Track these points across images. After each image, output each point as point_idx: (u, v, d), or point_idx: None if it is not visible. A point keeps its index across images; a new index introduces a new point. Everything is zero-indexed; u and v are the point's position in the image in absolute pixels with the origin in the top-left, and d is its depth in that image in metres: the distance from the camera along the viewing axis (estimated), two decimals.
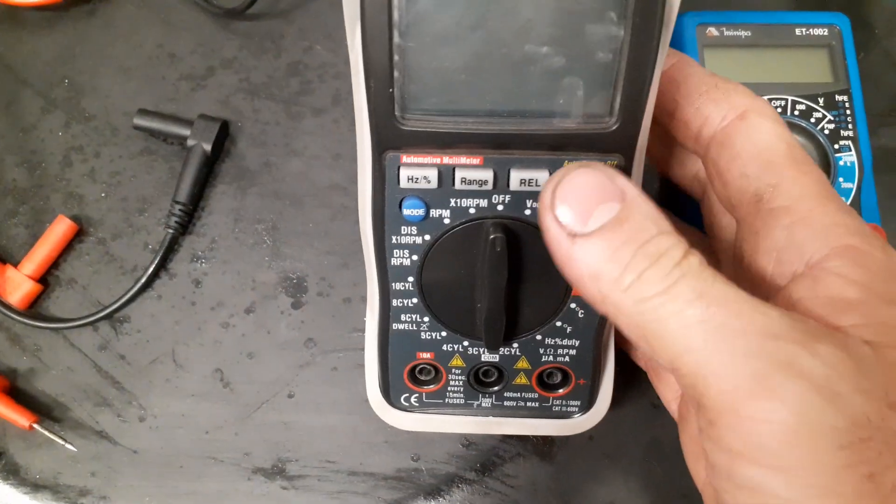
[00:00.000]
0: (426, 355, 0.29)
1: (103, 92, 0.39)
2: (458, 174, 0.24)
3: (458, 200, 0.25)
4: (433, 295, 0.27)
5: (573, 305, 0.28)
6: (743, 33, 0.35)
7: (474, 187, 0.25)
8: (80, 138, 0.38)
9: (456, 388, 0.30)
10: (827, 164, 0.33)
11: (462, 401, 0.30)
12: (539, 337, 0.28)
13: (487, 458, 0.34)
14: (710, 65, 0.35)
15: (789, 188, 0.22)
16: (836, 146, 0.34)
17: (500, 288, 0.26)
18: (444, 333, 0.28)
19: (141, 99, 0.39)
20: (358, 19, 0.22)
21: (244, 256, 0.37)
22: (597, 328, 0.28)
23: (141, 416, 0.35)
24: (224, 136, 0.38)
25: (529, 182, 0.24)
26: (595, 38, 0.22)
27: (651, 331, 0.19)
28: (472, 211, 0.25)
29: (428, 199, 0.25)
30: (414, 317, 0.28)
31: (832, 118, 0.34)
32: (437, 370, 0.29)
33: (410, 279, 0.27)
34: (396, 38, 0.22)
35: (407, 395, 0.30)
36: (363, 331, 0.35)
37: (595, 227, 0.20)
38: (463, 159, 0.24)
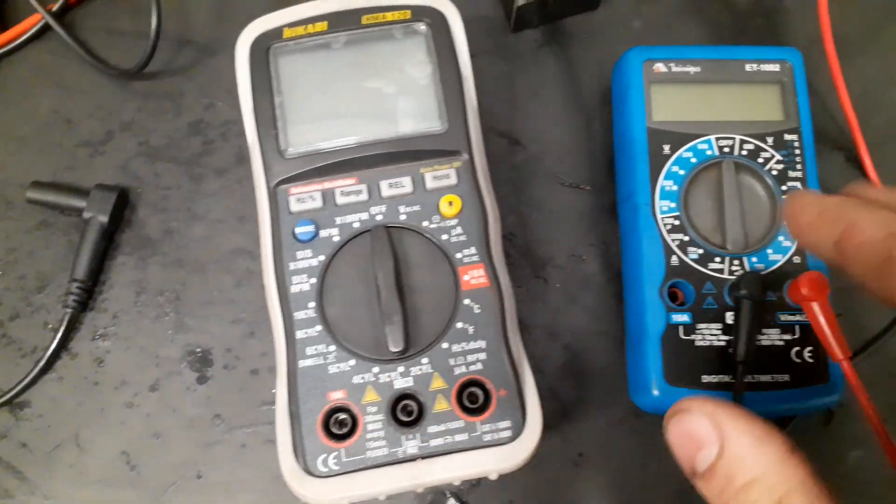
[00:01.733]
0: (338, 394, 0.28)
1: None
2: (338, 192, 0.30)
3: (343, 217, 0.30)
4: (335, 318, 0.29)
5: (467, 301, 0.29)
6: (692, 69, 0.34)
7: (352, 199, 0.30)
8: None
9: (376, 434, 0.28)
10: (773, 207, 0.32)
11: (385, 449, 0.28)
12: (445, 345, 0.28)
13: None
14: (656, 102, 0.33)
15: None
16: (784, 188, 0.32)
17: (388, 273, 0.28)
18: (352, 362, 0.28)
19: (36, 169, 0.37)
20: (249, 93, 0.31)
21: (147, 331, 0.35)
22: (499, 322, 0.29)
23: None
24: (123, 204, 0.36)
25: (397, 185, 0.30)
26: (413, 71, 0.32)
27: None
28: (356, 225, 0.29)
29: (316, 218, 0.30)
30: (319, 348, 0.28)
31: (781, 158, 0.33)
32: (353, 418, 0.28)
33: (311, 304, 0.29)
34: (276, 98, 0.31)
35: (325, 455, 0.28)
36: (272, 404, 0.33)
37: (700, 470, 0.21)
38: (340, 181, 0.30)
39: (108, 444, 0.34)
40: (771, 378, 0.31)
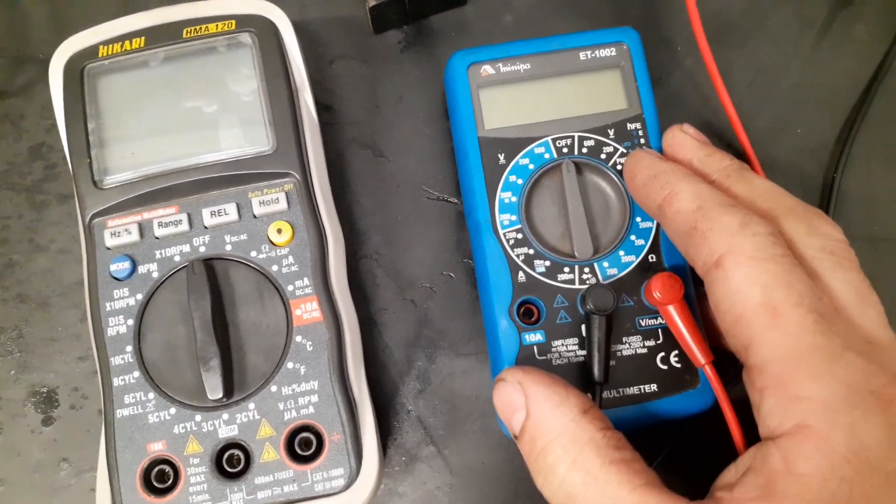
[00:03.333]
0: (158, 446, 0.26)
1: None
2: (156, 223, 0.28)
3: (163, 251, 0.28)
4: (154, 363, 0.27)
5: (299, 338, 0.27)
6: (521, 67, 0.32)
7: (171, 230, 0.28)
8: None
9: (199, 487, 0.26)
10: (623, 204, 0.30)
11: None
12: (274, 388, 0.27)
13: None
14: (487, 109, 0.31)
15: (758, 349, 0.22)
16: None
17: (205, 313, 0.26)
18: (172, 410, 0.27)
19: None
20: (62, 110, 0.29)
21: None
22: (334, 359, 0.27)
23: None
24: None
25: (220, 212, 0.28)
26: (237, 87, 0.29)
27: None
28: (177, 259, 0.28)
29: (133, 253, 0.28)
30: (138, 395, 0.27)
31: (625, 150, 0.31)
32: (175, 470, 0.26)
33: (129, 349, 0.27)
34: (90, 123, 0.29)
35: None
36: None
37: (516, 432, 0.24)
38: (160, 211, 0.28)
39: None
40: (638, 390, 0.29)
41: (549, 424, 0.23)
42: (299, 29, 0.32)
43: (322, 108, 0.36)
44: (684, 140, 0.29)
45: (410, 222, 0.35)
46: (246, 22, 0.30)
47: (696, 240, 0.24)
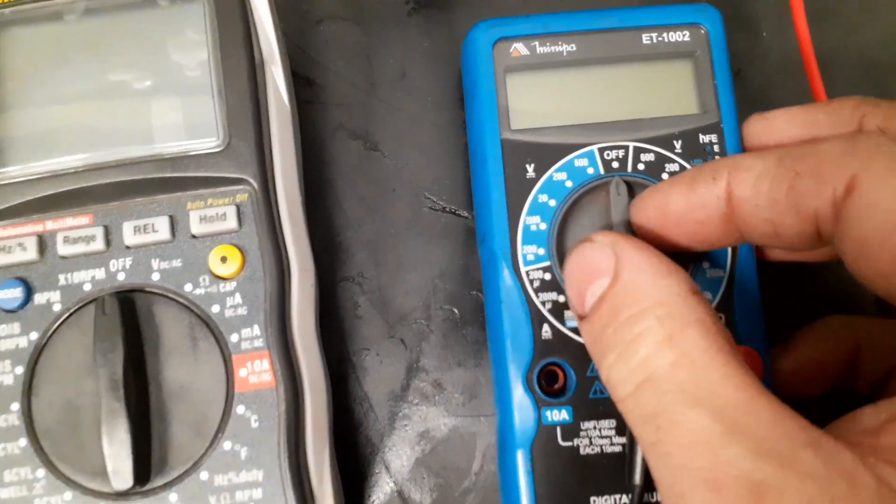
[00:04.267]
0: None
1: None
2: (61, 237, 0.21)
3: (69, 275, 0.21)
4: (48, 429, 0.21)
5: (241, 410, 0.21)
6: (565, 48, 0.24)
7: (81, 248, 0.21)
8: None
9: None
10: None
11: None
12: (205, 475, 0.21)
13: None
14: (515, 101, 0.24)
15: None
16: None
17: (115, 369, 0.20)
18: (68, 496, 0.20)
19: None
20: None
21: None
22: (289, 444, 0.20)
23: None
24: None
25: (146, 229, 0.21)
26: (181, 56, 0.22)
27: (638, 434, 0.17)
28: (87, 287, 0.21)
29: (29, 276, 0.21)
30: (23, 472, 0.20)
31: None
32: None
33: (14, 407, 0.21)
34: None
35: None
36: None
37: (588, 305, 0.19)
38: (68, 221, 0.22)
39: None
40: None
41: (646, 292, 0.17)
42: None
43: (302, 82, 0.28)
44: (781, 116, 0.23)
45: (406, 238, 0.28)
46: None
47: (805, 186, 0.17)
